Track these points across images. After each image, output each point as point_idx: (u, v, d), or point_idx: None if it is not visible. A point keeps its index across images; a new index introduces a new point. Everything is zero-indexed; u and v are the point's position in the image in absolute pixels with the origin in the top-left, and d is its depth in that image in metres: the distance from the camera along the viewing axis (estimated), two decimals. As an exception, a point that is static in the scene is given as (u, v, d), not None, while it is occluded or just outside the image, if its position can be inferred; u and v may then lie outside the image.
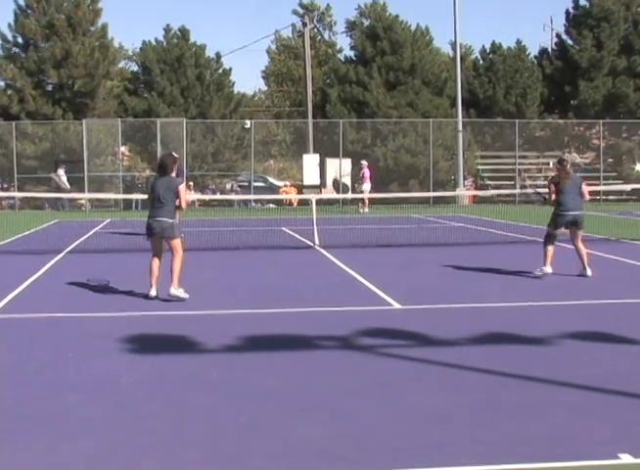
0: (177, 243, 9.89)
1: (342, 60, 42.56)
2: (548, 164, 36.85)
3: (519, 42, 38.94)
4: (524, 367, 6.59)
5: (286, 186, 35.10)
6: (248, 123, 34.29)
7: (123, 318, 8.90)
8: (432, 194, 30.10)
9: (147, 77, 36.28)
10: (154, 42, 36.72)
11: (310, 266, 13.56)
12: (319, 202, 21.04)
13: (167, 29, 36.85)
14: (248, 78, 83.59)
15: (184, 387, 6.13)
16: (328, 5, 60.00)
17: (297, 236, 18.41)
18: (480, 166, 36.76)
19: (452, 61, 37.36)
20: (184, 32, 36.88)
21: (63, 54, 33.69)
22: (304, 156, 34.53)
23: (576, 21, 38.56)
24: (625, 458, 4.59)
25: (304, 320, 8.76)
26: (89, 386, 6.19)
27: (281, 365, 6.78)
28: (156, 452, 4.77)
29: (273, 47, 62.06)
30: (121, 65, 41.72)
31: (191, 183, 29.85)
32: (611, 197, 34.25)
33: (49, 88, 34.98)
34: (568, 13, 39.13)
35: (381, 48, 36.87)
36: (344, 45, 70.49)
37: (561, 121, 37.73)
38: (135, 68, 40.61)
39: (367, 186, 28.16)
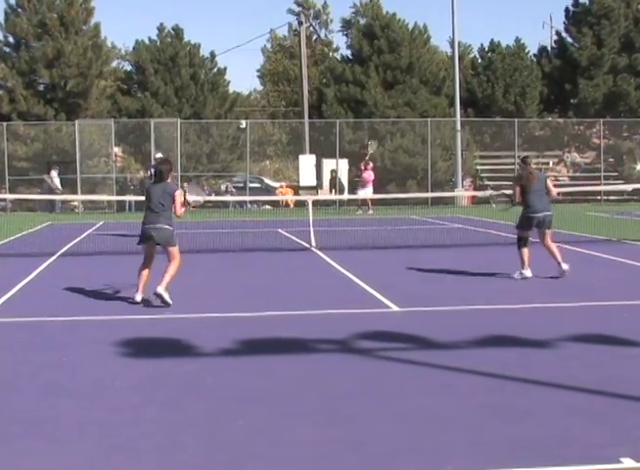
0: (176, 250, 9.85)
1: (339, 59, 42.23)
2: (548, 163, 36.59)
3: (518, 40, 38.63)
4: (524, 370, 6.53)
5: (282, 187, 34.80)
6: (243, 123, 34.02)
7: (118, 322, 8.84)
8: (430, 195, 29.91)
9: (140, 77, 35.92)
10: (147, 41, 36.35)
11: (307, 268, 13.51)
12: (315, 203, 21.07)
13: (161, 28, 36.50)
14: (243, 78, 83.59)
15: (180, 391, 6.09)
16: (325, 2, 59.53)
17: (293, 238, 18.26)
18: (478, 167, 36.40)
19: (450, 59, 37.06)
20: (178, 31, 36.54)
21: (55, 53, 33.31)
22: (301, 156, 34.30)
23: (576, 18, 38.26)
24: (627, 462, 4.50)
25: (301, 323, 8.71)
26: (84, 390, 6.16)
27: (277, 369, 6.73)
28: (151, 458, 4.73)
29: (268, 46, 61.68)
30: (114, 64, 41.24)
31: (185, 184, 29.32)
32: (611, 197, 34.04)
33: (41, 88, 34.62)
34: (567, 10, 38.84)
35: (378, 47, 36.50)
36: (341, 44, 70.10)
37: (560, 121, 37.46)
38: (128, 67, 40.26)
39: (370, 189, 27.68)
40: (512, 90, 37.23)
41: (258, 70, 61.70)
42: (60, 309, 9.59)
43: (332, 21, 60.54)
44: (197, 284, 11.18)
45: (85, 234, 20.12)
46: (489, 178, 35.49)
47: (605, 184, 32.74)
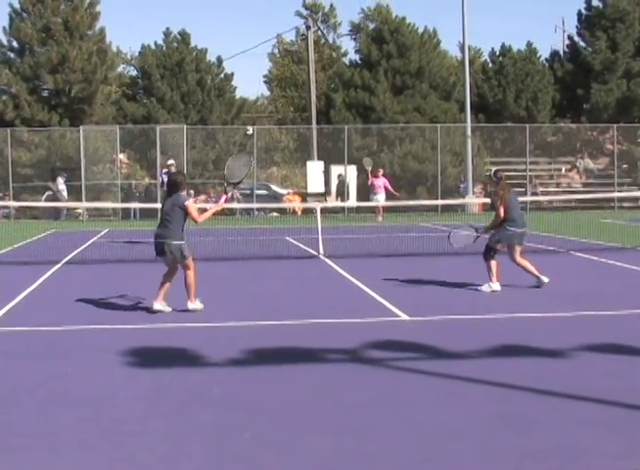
0: (189, 263, 9.79)
1: (347, 64, 41.80)
2: (560, 170, 36.10)
3: (529, 44, 38.38)
4: (535, 380, 6.43)
5: (289, 194, 34.36)
6: (250, 130, 33.70)
7: (124, 331, 8.78)
8: (440, 202, 29.65)
9: (146, 82, 35.68)
10: (153, 46, 36.10)
11: (315, 277, 13.41)
12: (324, 210, 20.79)
13: (167, 33, 36.29)
14: (250, 83, 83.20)
15: (185, 402, 6.01)
16: (332, 5, 59.04)
17: (301, 245, 18.17)
18: (489, 173, 35.82)
19: (461, 64, 36.64)
20: (184, 36, 36.33)
21: (59, 59, 33.02)
22: (308, 163, 33.97)
23: (589, 22, 37.95)
24: (642, 476, 4.40)
25: (310, 332, 8.64)
26: (88, 401, 6.07)
27: (286, 379, 6.66)
28: (156, 470, 4.60)
29: (275, 51, 61.27)
30: (120, 69, 41.11)
31: (192, 191, 28.89)
32: (625, 204, 33.69)
33: (45, 94, 34.33)
34: (580, 14, 38.55)
35: (387, 51, 36.09)
36: (349, 48, 69.53)
37: (573, 126, 37.05)
38: (134, 72, 40.11)
39: (382, 196, 27.16)
40: (523, 95, 36.92)
41: (265, 76, 61.35)
42: (64, 318, 9.51)
43: (340, 23, 60.04)
44: (204, 292, 10.86)
45: (90, 242, 19.97)
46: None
47: (619, 191, 32.28)
